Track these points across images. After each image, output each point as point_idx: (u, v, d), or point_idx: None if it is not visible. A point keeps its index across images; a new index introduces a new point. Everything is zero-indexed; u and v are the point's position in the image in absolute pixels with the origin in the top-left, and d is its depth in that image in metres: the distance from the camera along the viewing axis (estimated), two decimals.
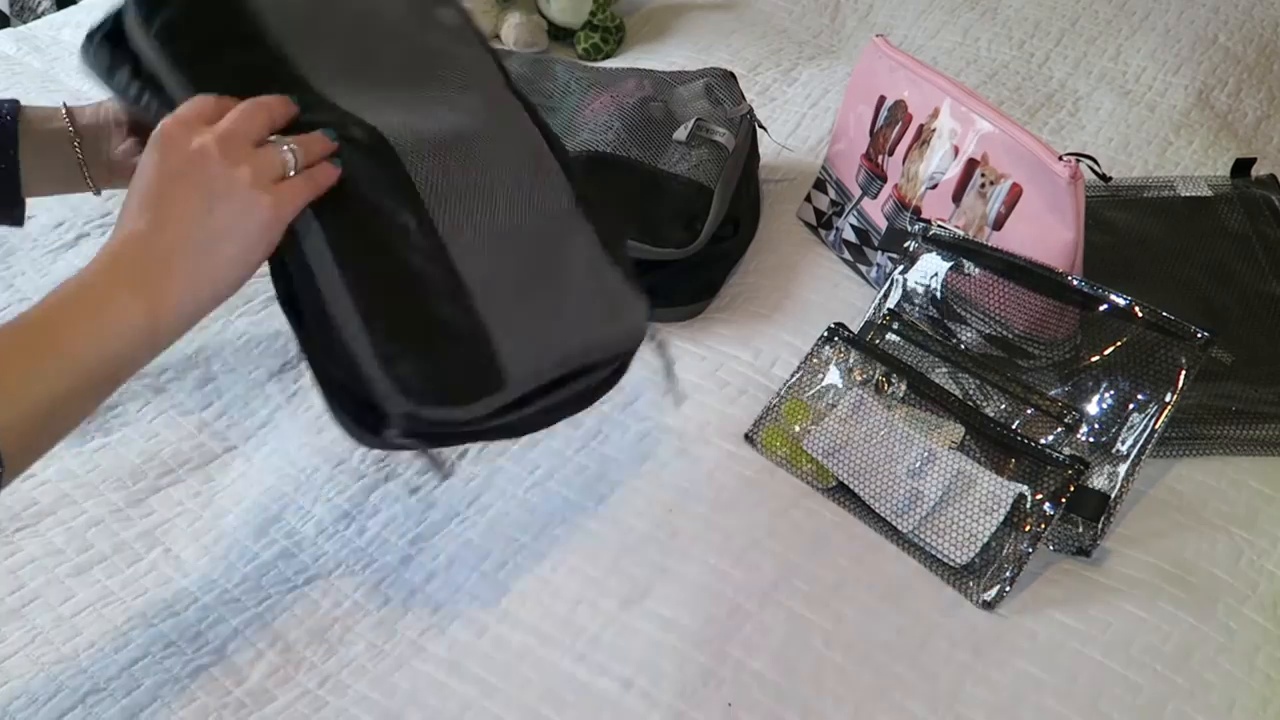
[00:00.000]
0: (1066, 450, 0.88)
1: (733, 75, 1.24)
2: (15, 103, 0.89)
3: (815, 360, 1.00)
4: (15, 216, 0.92)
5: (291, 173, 0.71)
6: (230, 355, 1.06)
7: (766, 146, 1.27)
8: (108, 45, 0.76)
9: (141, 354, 0.68)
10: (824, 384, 0.98)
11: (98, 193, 0.94)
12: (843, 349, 0.99)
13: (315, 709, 0.80)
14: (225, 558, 0.90)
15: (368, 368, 0.69)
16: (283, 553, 0.90)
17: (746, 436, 0.98)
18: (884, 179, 1.12)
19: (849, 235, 1.15)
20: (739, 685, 0.80)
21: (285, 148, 0.71)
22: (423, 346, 0.71)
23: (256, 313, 1.10)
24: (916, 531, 0.88)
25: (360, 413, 0.72)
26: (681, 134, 1.12)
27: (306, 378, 1.02)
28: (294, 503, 0.94)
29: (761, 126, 1.22)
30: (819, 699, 0.79)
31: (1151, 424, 0.88)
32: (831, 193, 1.19)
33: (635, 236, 1.06)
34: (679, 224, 1.07)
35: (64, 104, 0.92)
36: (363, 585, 0.88)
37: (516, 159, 0.79)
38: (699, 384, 1.03)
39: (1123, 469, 0.88)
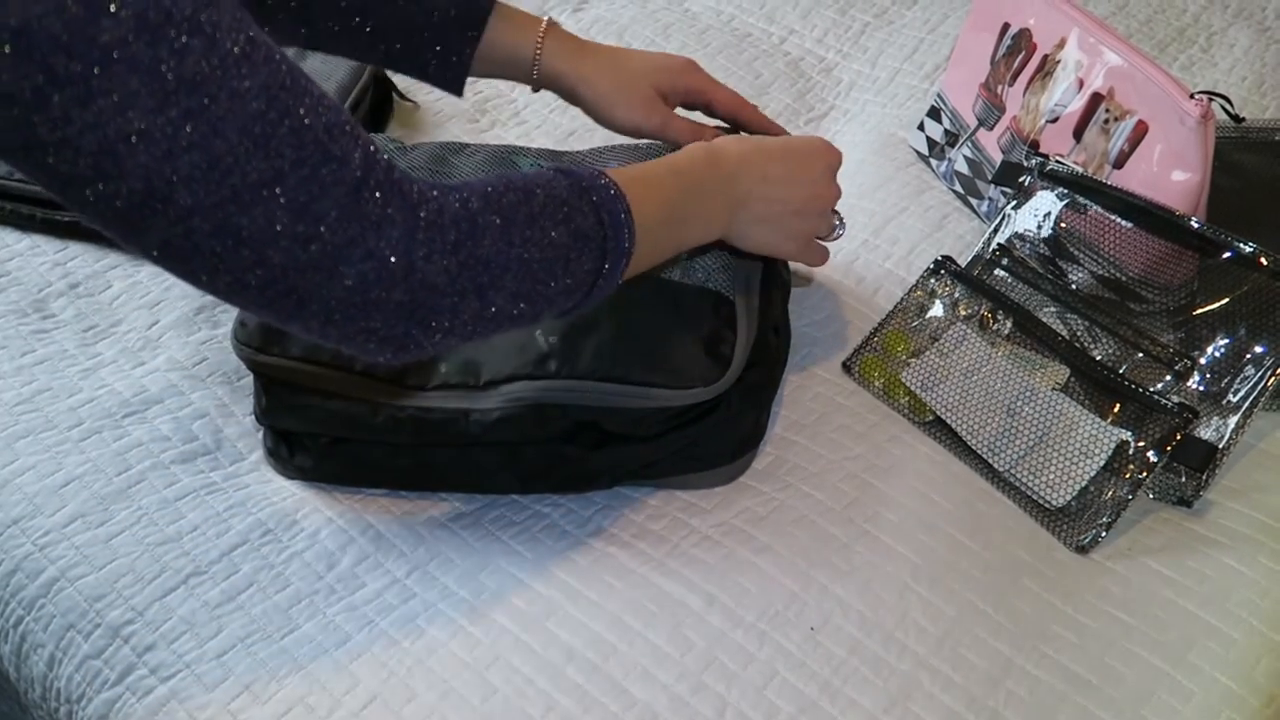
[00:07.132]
0: (1175, 398, 0.85)
1: None
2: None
3: (919, 292, 0.98)
4: (457, 90, 0.92)
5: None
6: None
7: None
8: None
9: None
10: (927, 316, 0.96)
11: (536, 89, 0.93)
12: (948, 282, 0.97)
13: (403, 599, 0.82)
14: None
15: None
16: None
17: (844, 365, 0.97)
18: (1002, 110, 1.09)
19: (961, 167, 1.12)
20: (822, 611, 0.80)
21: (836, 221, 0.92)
22: None
23: None
24: (1012, 470, 0.86)
25: None
26: None
27: None
28: None
29: None
30: (902, 630, 0.79)
31: (1267, 377, 0.85)
32: (946, 122, 1.16)
33: (655, 381, 0.83)
34: (700, 350, 0.84)
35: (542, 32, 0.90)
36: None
37: None
38: (797, 310, 1.01)
39: (1233, 420, 0.85)
